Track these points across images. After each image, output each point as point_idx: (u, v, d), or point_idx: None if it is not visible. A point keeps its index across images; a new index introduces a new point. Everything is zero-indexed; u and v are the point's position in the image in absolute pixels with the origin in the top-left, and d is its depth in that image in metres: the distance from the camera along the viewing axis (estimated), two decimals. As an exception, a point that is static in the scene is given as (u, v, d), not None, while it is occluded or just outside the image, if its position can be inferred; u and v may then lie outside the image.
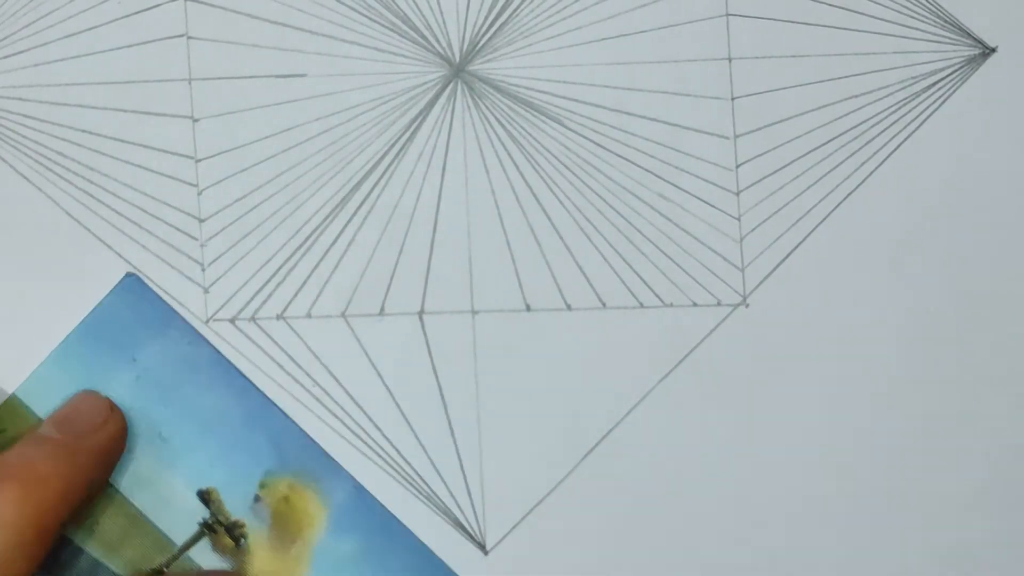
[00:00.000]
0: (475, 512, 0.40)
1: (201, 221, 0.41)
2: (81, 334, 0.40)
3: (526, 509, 0.40)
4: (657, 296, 0.41)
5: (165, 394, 0.40)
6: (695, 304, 0.41)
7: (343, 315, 0.40)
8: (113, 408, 0.40)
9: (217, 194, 0.41)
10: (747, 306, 0.41)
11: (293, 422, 0.40)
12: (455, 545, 0.40)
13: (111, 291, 0.40)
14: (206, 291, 0.40)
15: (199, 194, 0.41)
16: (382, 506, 0.40)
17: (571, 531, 0.40)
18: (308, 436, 0.40)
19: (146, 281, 0.40)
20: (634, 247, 0.41)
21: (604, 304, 0.41)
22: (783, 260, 0.40)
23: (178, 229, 0.41)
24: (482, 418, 0.40)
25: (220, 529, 0.40)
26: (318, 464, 0.40)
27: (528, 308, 0.41)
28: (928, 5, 0.40)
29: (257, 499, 0.40)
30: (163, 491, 0.40)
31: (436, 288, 0.41)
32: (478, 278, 0.41)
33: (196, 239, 0.41)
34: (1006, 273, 0.40)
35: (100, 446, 0.39)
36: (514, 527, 0.40)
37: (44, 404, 0.40)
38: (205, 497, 0.40)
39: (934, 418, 0.40)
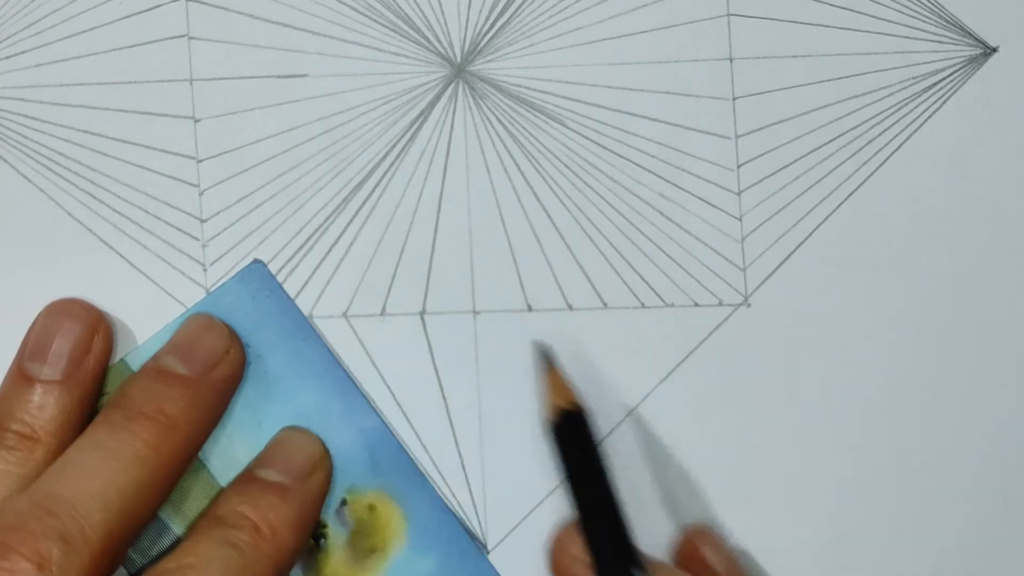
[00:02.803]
0: (476, 511, 0.40)
1: (203, 221, 0.41)
2: (199, 310, 0.40)
3: (527, 509, 0.40)
4: (658, 296, 0.41)
5: (271, 383, 0.39)
6: (696, 304, 0.41)
7: (344, 315, 0.41)
8: (233, 336, 0.39)
9: (218, 194, 0.41)
10: (748, 306, 0.41)
11: (391, 432, 0.40)
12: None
13: (236, 274, 0.40)
14: (208, 291, 0.40)
15: (200, 194, 0.41)
16: (462, 529, 0.39)
17: (573, 531, 0.40)
18: (403, 449, 0.40)
19: (271, 271, 0.40)
20: (635, 247, 0.41)
21: (605, 304, 0.41)
22: (784, 260, 0.40)
23: (180, 229, 0.41)
24: (483, 418, 0.40)
25: None
26: (407, 479, 0.39)
27: (529, 308, 0.41)
28: (929, 5, 0.40)
29: (344, 503, 0.39)
30: None
31: (437, 288, 0.41)
32: (479, 278, 0.41)
33: (198, 239, 0.41)
34: (1007, 273, 0.40)
35: (224, 380, 0.39)
36: (515, 527, 0.40)
37: None
38: None
39: (935, 418, 0.40)
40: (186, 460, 0.37)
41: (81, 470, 0.35)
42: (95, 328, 0.39)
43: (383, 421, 0.40)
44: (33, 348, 0.38)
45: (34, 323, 0.39)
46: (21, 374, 0.38)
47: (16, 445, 0.37)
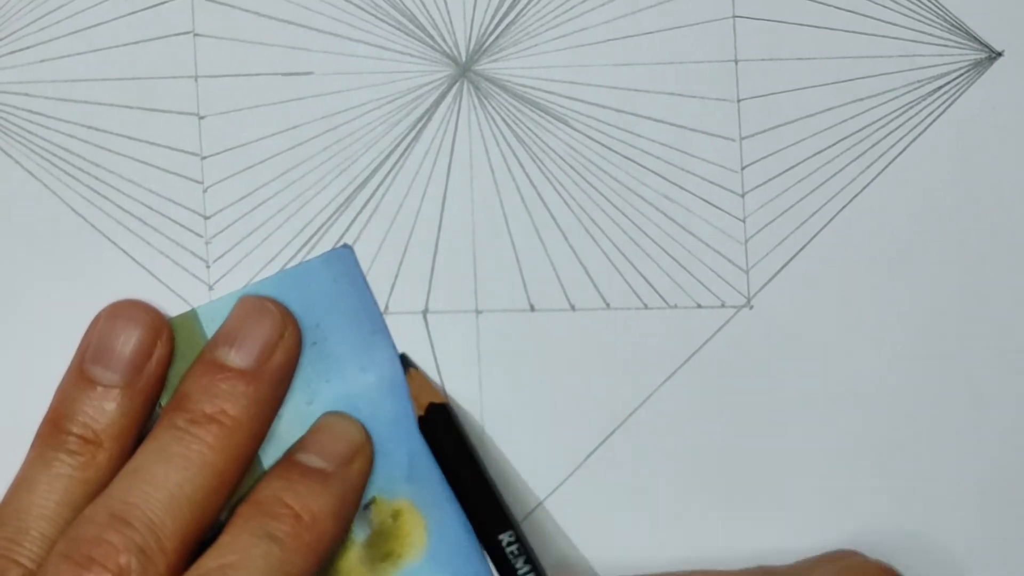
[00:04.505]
0: (477, 512, 0.40)
1: (206, 218, 0.41)
2: (279, 281, 0.40)
3: (528, 508, 0.40)
4: (661, 297, 0.41)
5: (330, 369, 0.39)
6: (699, 306, 0.41)
7: (347, 313, 0.41)
8: (286, 316, 0.38)
9: (222, 191, 0.41)
10: (751, 308, 0.41)
11: None
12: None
13: (322, 254, 0.40)
14: (210, 288, 0.40)
15: (204, 191, 0.41)
16: (480, 553, 0.39)
17: (573, 531, 0.40)
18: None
19: (356, 258, 0.40)
20: (639, 248, 0.41)
21: (608, 305, 0.41)
22: (788, 262, 0.40)
23: (183, 226, 0.41)
24: (485, 417, 0.40)
25: None
26: (439, 493, 0.39)
27: (532, 308, 0.41)
28: (934, 9, 0.40)
29: (372, 502, 0.39)
30: None
31: (440, 287, 0.41)
32: (482, 278, 0.41)
33: (201, 236, 0.41)
34: (1012, 276, 0.40)
35: (281, 368, 0.38)
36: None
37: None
38: None
39: (938, 421, 0.40)
40: (250, 455, 0.37)
41: (152, 478, 0.36)
42: (158, 332, 0.38)
43: None
44: (95, 351, 0.38)
45: (95, 323, 0.39)
46: (82, 376, 0.38)
47: (78, 449, 0.37)
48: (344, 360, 0.39)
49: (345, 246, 0.40)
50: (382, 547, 0.39)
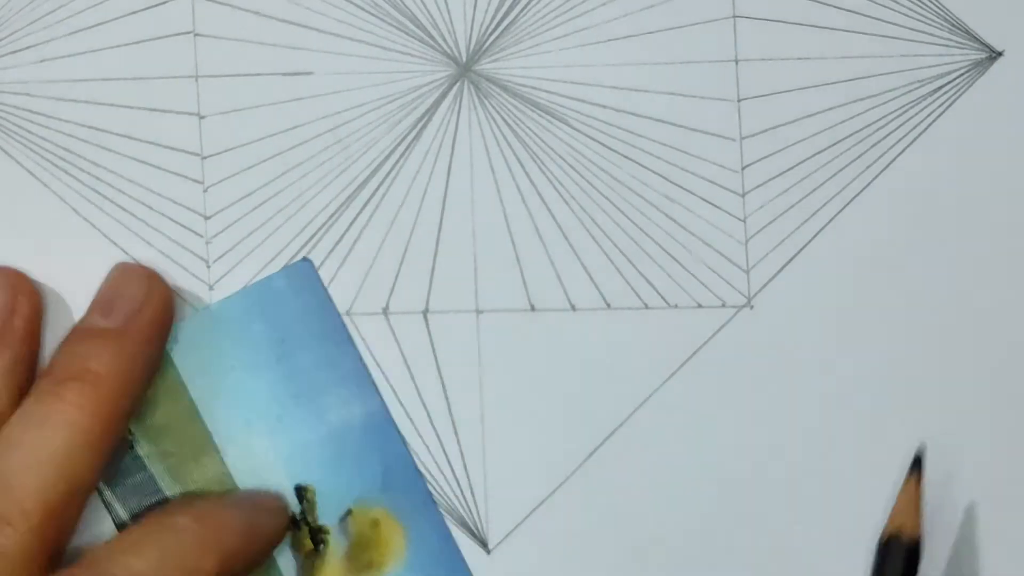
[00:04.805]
0: (478, 511, 0.40)
1: (207, 218, 0.41)
2: (240, 300, 0.40)
3: (529, 508, 0.40)
4: (662, 297, 0.41)
5: (298, 381, 0.39)
6: (700, 306, 0.41)
7: (347, 313, 0.40)
8: (153, 277, 0.39)
9: (223, 191, 0.41)
10: (752, 308, 0.41)
11: (408, 451, 0.40)
12: (457, 543, 0.40)
13: (283, 268, 0.40)
14: (211, 288, 0.40)
15: (205, 191, 0.41)
16: (462, 559, 0.39)
17: (574, 531, 0.40)
18: (417, 470, 0.40)
19: (317, 271, 0.40)
20: (639, 248, 0.41)
21: (609, 305, 0.41)
22: (788, 262, 0.41)
23: (183, 226, 0.41)
24: (486, 417, 0.40)
25: (304, 529, 0.39)
26: (416, 501, 0.39)
27: (533, 308, 0.41)
28: (935, 8, 0.40)
29: (348, 514, 0.39)
30: (263, 474, 0.39)
31: (441, 287, 0.41)
32: (483, 278, 0.41)
33: (201, 236, 0.41)
34: (1013, 276, 0.40)
35: (150, 324, 0.38)
36: (517, 526, 0.40)
37: (185, 358, 0.39)
38: (301, 493, 0.39)
39: (940, 421, 0.40)
40: (121, 413, 0.37)
41: (11, 442, 0.36)
42: (16, 289, 0.38)
43: (402, 439, 0.40)
44: None
45: None
46: None
47: None
48: (311, 374, 0.40)
49: (305, 259, 0.40)
50: (362, 557, 0.39)
